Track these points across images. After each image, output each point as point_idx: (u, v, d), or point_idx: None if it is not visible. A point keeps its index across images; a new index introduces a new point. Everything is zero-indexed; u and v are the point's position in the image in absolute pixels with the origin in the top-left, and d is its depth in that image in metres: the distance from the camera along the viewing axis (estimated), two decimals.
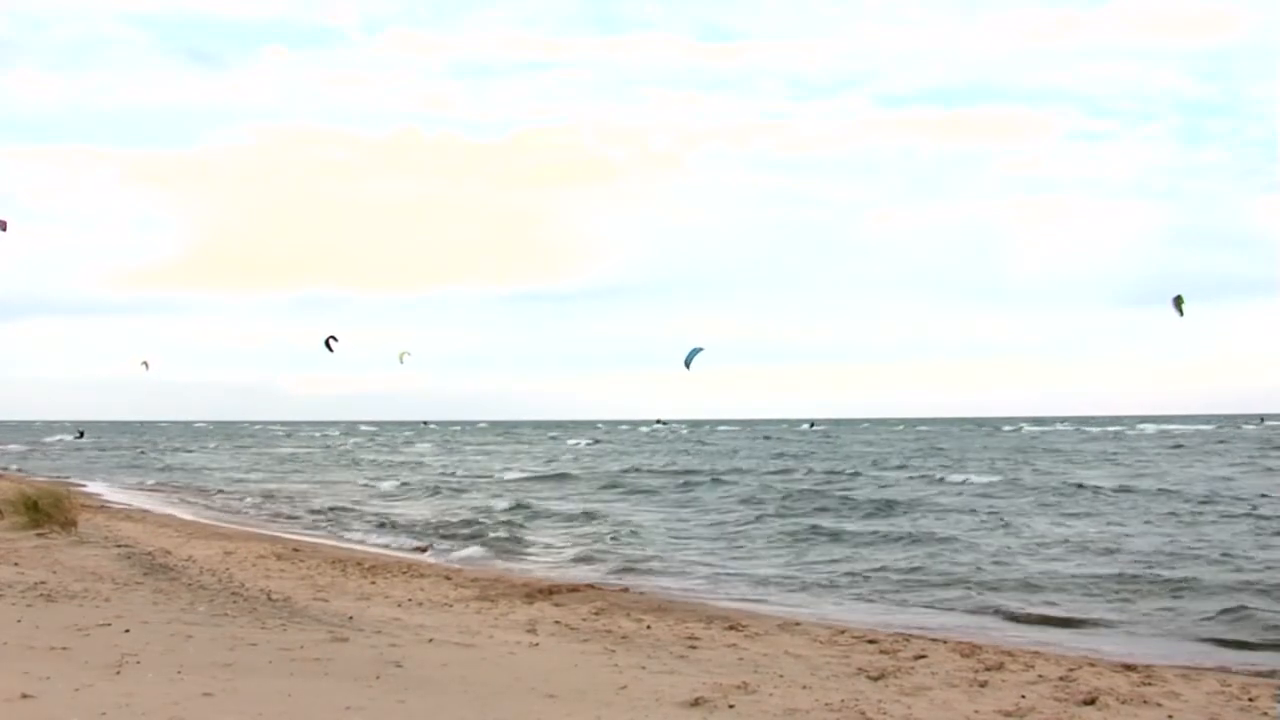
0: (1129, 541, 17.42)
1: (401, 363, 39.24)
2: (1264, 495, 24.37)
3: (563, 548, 18.46)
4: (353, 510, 25.46)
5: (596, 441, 79.67)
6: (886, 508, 23.50)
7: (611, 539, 19.13)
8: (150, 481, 37.15)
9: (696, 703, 6.36)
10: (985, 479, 31.56)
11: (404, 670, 6.80)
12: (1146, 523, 20.11)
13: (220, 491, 32.57)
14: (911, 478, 33.98)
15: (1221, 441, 59.61)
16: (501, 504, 25.88)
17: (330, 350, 32.86)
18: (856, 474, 36.40)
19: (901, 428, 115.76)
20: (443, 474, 40.58)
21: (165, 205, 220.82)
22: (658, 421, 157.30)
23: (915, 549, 17.02)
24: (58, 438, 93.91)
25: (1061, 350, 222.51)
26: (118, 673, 6.17)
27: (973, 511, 22.66)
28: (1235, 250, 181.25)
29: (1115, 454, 48.22)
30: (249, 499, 29.56)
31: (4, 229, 21.65)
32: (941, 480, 32.47)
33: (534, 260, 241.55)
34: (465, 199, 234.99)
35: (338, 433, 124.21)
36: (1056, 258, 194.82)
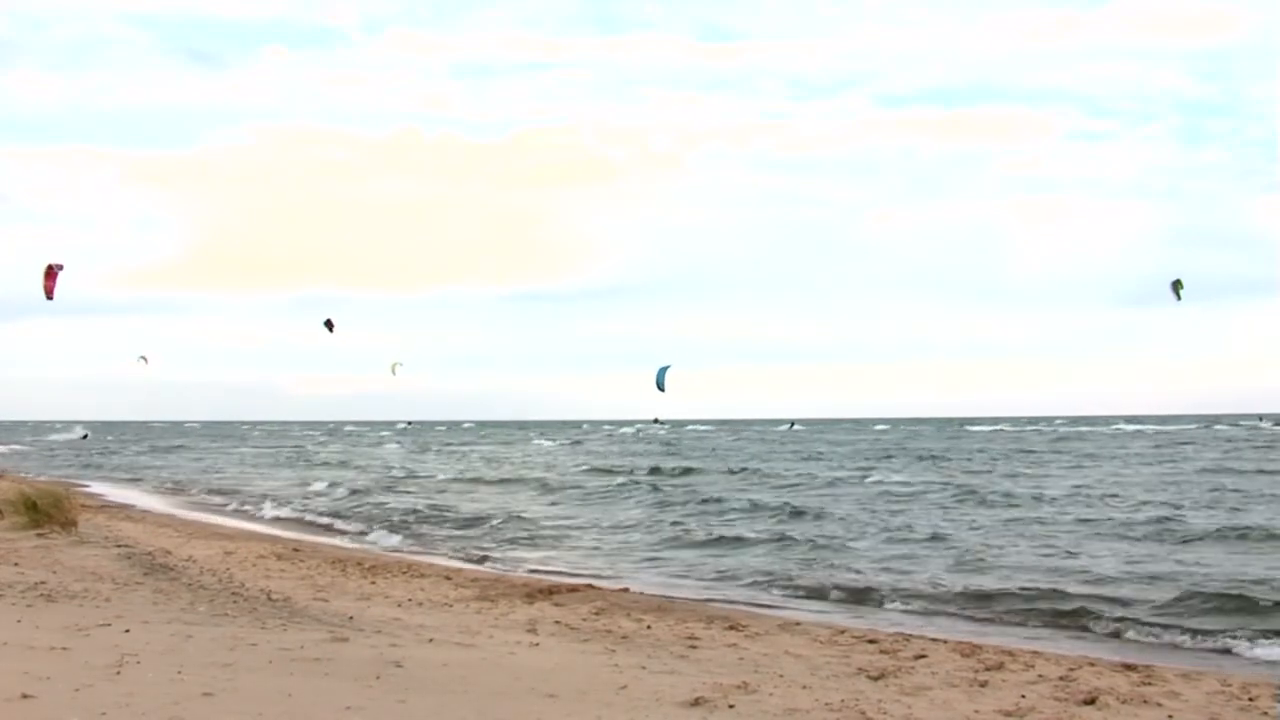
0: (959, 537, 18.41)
1: (394, 374, 39.29)
2: (1145, 501, 24.54)
3: (439, 548, 18.80)
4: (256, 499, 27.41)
5: (577, 442, 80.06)
6: (780, 510, 23.54)
7: (489, 540, 19.64)
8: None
9: (697, 703, 6.37)
10: (898, 478, 32.97)
11: (404, 670, 6.80)
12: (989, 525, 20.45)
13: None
14: (839, 477, 34.76)
15: (1229, 443, 59.57)
16: (414, 504, 26.36)
17: (330, 330, 33.01)
18: (785, 473, 37.05)
19: (885, 428, 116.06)
20: (384, 474, 40.44)
21: (165, 205, 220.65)
22: (655, 420, 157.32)
23: (778, 553, 17.28)
24: (53, 437, 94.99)
25: (1062, 350, 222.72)
26: (118, 673, 6.17)
27: (850, 513, 23.04)
28: (1235, 250, 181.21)
29: (1048, 454, 48.75)
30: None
31: (61, 269, 22.25)
32: (861, 480, 33.33)
33: (534, 260, 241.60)
34: (465, 199, 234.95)
35: (318, 433, 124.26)
36: (1056, 258, 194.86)
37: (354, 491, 30.37)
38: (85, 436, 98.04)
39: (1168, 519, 20.02)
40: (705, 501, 26.03)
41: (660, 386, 29.26)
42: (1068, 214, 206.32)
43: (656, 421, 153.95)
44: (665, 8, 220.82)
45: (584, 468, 42.93)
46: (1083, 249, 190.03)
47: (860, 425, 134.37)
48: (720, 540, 18.65)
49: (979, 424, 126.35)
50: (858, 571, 14.97)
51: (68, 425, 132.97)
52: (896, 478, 33.68)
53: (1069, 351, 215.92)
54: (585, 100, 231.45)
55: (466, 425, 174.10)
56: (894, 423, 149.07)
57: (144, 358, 45.62)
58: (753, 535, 19.11)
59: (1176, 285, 25.10)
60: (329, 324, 33.52)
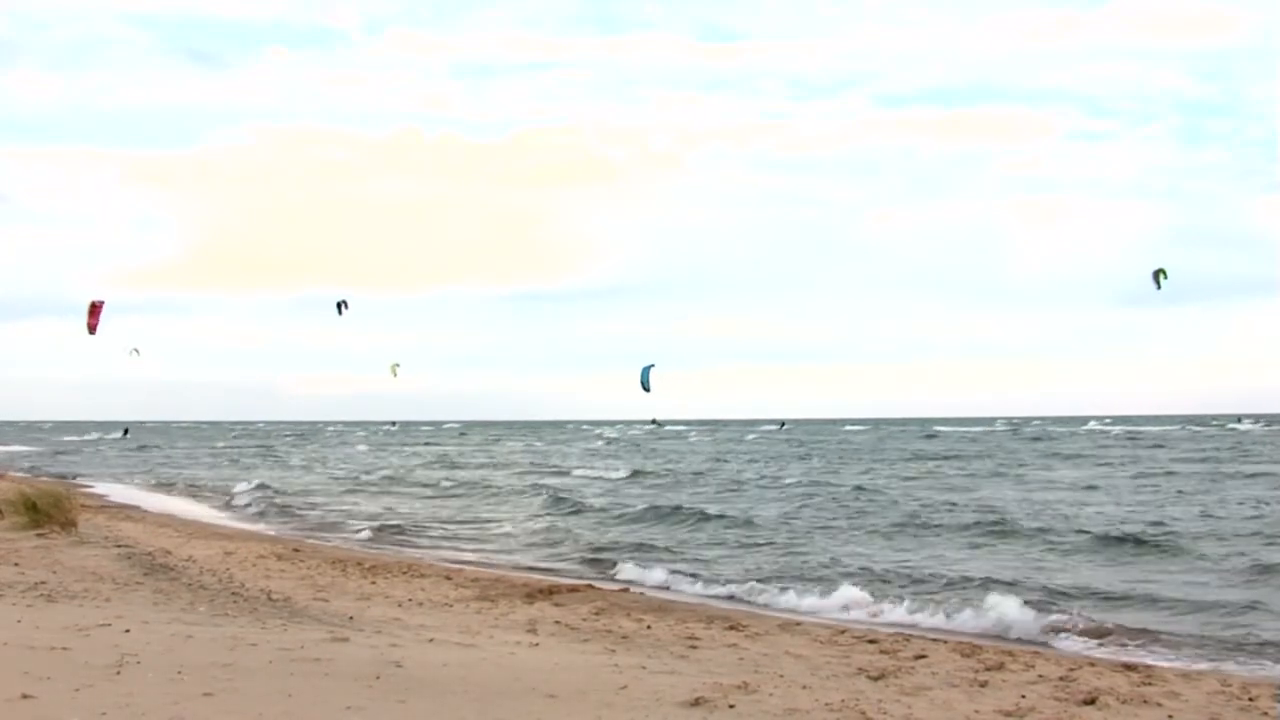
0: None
1: (394, 375, 39.46)
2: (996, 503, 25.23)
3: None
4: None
5: (553, 443, 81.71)
6: (652, 511, 24.26)
7: (351, 539, 20.86)
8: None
9: (697, 703, 6.36)
10: (796, 479, 34.66)
11: (404, 670, 6.80)
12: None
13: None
14: (752, 479, 35.68)
15: (1194, 444, 59.80)
16: (308, 502, 28.31)
17: (341, 312, 33.23)
18: (700, 475, 38.10)
19: (862, 429, 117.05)
20: (319, 476, 41.76)
21: (166, 205, 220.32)
22: (653, 421, 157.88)
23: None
24: (96, 435, 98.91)
25: (1061, 350, 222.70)
26: (118, 673, 6.16)
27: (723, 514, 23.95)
28: (1235, 250, 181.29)
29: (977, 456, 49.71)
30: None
31: (103, 304, 23.22)
32: (764, 479, 35.02)
33: (534, 260, 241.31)
34: (465, 199, 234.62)
35: (302, 433, 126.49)
36: (1056, 258, 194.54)
37: (275, 491, 31.36)
38: (126, 433, 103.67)
39: (994, 521, 20.60)
40: (583, 508, 26.10)
41: (645, 386, 28.96)
42: (1068, 214, 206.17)
43: (654, 422, 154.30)
44: (665, 8, 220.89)
45: (520, 469, 44.30)
46: (1083, 249, 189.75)
47: (846, 425, 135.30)
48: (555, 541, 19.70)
49: (972, 424, 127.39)
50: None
51: (58, 426, 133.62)
52: (790, 477, 35.23)
53: (1069, 351, 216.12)
54: (585, 100, 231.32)
55: (450, 426, 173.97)
56: (875, 423, 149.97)
57: (136, 350, 45.81)
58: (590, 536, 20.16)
59: (1158, 274, 25.02)
60: (341, 305, 33.81)
